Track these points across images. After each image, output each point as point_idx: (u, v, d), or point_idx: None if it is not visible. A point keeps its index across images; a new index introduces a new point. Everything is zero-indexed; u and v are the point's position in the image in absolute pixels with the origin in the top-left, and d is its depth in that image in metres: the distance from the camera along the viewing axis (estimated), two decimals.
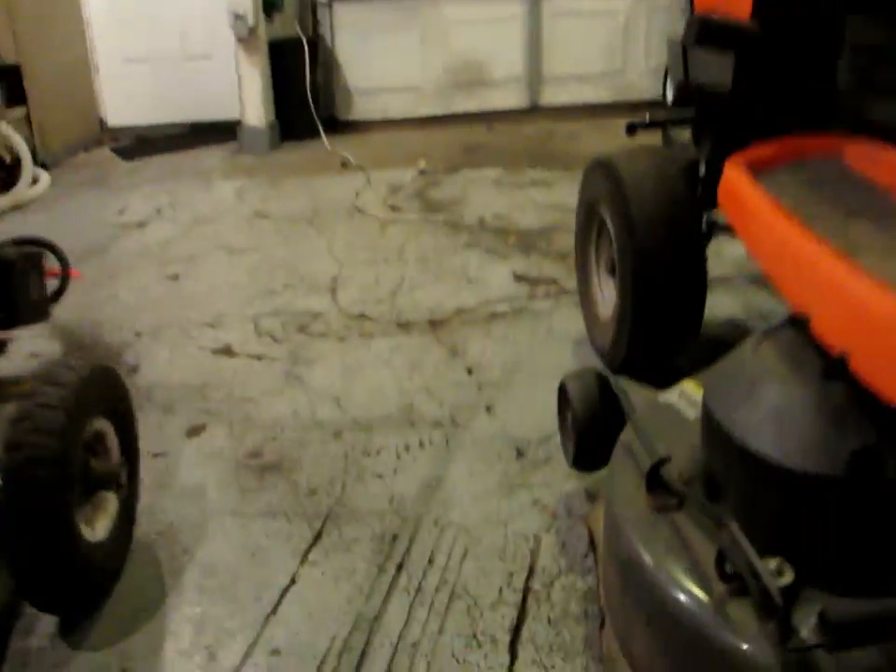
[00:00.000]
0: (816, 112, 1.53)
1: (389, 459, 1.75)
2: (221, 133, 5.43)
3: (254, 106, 5.12)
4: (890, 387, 0.84)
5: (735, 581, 0.90)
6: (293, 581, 1.43)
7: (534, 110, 5.79)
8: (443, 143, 5.08)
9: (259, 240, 3.46)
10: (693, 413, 1.24)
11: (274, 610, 1.37)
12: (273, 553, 1.50)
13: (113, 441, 1.50)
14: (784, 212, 1.17)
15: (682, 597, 0.93)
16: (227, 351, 2.35)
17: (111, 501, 1.46)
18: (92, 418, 1.41)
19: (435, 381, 2.08)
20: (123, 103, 5.84)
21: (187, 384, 2.17)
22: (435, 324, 2.43)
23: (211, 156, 5.11)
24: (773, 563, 0.87)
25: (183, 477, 1.75)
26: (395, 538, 1.51)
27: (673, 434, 1.20)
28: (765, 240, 1.21)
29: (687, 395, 1.29)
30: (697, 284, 1.77)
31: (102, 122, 5.75)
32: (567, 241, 2.50)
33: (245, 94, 5.12)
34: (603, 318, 2.03)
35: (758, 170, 1.39)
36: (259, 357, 2.29)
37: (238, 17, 4.81)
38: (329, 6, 5.56)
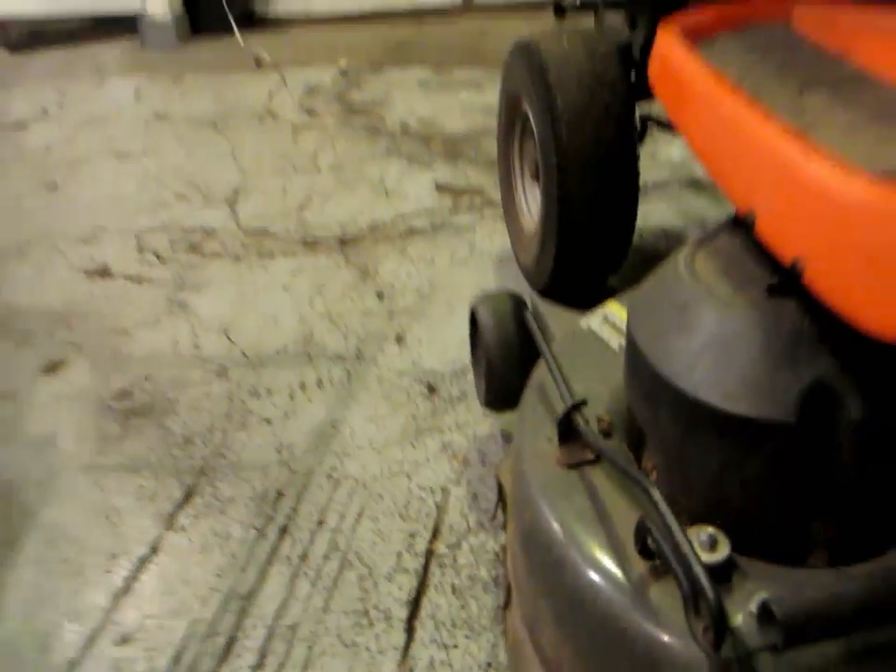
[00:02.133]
0: None
1: (280, 401, 1.51)
2: (124, 25, 4.89)
3: None
4: (852, 302, 0.64)
5: (659, 558, 0.71)
6: (153, 551, 1.20)
7: (468, 6, 5.37)
8: (369, 40, 4.65)
9: (155, 144, 3.07)
10: (618, 342, 1.03)
11: (127, 588, 1.14)
12: (131, 516, 1.26)
13: None
14: (726, 85, 0.94)
15: (594, 578, 0.74)
16: (102, 272, 2.04)
17: None
18: None
19: (340, 307, 1.82)
20: None
21: (50, 310, 1.86)
22: (345, 241, 2.15)
23: (110, 51, 4.56)
24: (705, 533, 0.69)
25: (32, 424, 1.48)
26: (280, 495, 1.29)
27: (594, 369, 1.00)
28: (704, 119, 0.98)
29: (612, 319, 1.09)
30: (629, 188, 1.54)
31: None
32: (496, 147, 2.23)
33: None
34: (528, 231, 1.79)
35: (696, 37, 1.14)
36: (138, 280, 1.99)
37: None
38: None
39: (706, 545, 0.68)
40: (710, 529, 0.69)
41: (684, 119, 1.04)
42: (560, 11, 1.90)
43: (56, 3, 5.16)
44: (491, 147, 2.72)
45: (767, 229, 0.77)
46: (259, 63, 4.20)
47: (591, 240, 1.57)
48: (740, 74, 0.98)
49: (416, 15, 5.18)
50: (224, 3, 4.79)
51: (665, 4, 1.29)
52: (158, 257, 2.11)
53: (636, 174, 1.53)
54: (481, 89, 3.55)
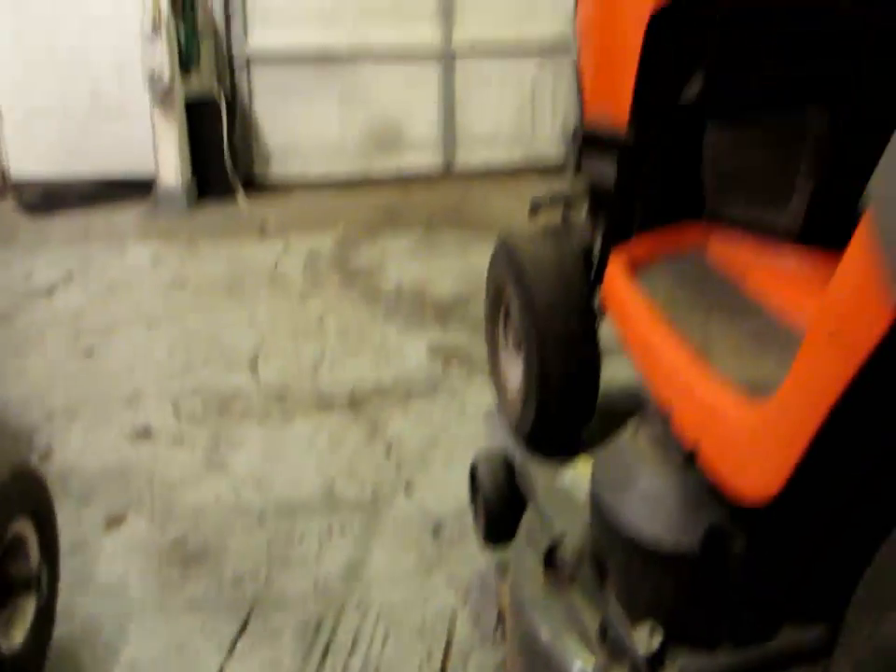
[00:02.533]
0: (687, 206, 1.73)
1: (312, 544, 1.81)
2: (135, 190, 5.37)
3: (170, 166, 5.10)
4: (729, 481, 0.99)
5: (614, 646, 1.02)
6: None
7: (449, 172, 6.05)
8: (362, 206, 5.21)
9: (177, 310, 3.46)
10: (584, 493, 1.37)
11: None
12: (198, 647, 1.53)
13: (33, 540, 1.49)
14: (651, 311, 1.34)
15: (572, 668, 1.05)
16: (146, 433, 2.37)
17: (29, 605, 1.44)
18: (11, 521, 1.41)
19: (356, 461, 2.16)
20: (29, 155, 5.68)
21: (104, 469, 2.17)
22: (355, 401, 2.51)
23: (125, 215, 5.06)
24: (645, 627, 1.00)
25: (103, 571, 1.76)
26: (319, 624, 1.57)
27: (568, 513, 1.33)
28: (636, 336, 1.37)
29: (580, 475, 1.43)
30: (592, 361, 1.93)
31: (4, 175, 5.51)
32: (480, 310, 2.63)
33: (161, 153, 5.08)
34: (511, 392, 2.16)
35: (635, 265, 1.57)
36: (179, 440, 2.32)
37: (154, 75, 4.81)
38: (248, 65, 5.68)
39: (646, 635, 0.99)
40: (650, 624, 1.01)
41: (623, 332, 1.44)
42: (535, 208, 2.38)
43: (72, 166, 5.69)
44: (476, 310, 3.16)
45: (677, 420, 1.14)
46: (263, 230, 4.72)
47: (565, 402, 1.94)
48: (664, 300, 1.39)
49: (402, 181, 5.83)
50: (229, 170, 5.38)
51: (616, 237, 1.75)
52: (193, 418, 2.45)
53: (597, 350, 1.93)
54: (465, 253, 4.05)
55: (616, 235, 1.82)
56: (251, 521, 1.91)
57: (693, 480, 1.08)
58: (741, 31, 1.33)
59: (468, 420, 2.34)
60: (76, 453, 2.27)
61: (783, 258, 1.45)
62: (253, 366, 2.83)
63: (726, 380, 1.08)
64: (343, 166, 5.94)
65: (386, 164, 5.99)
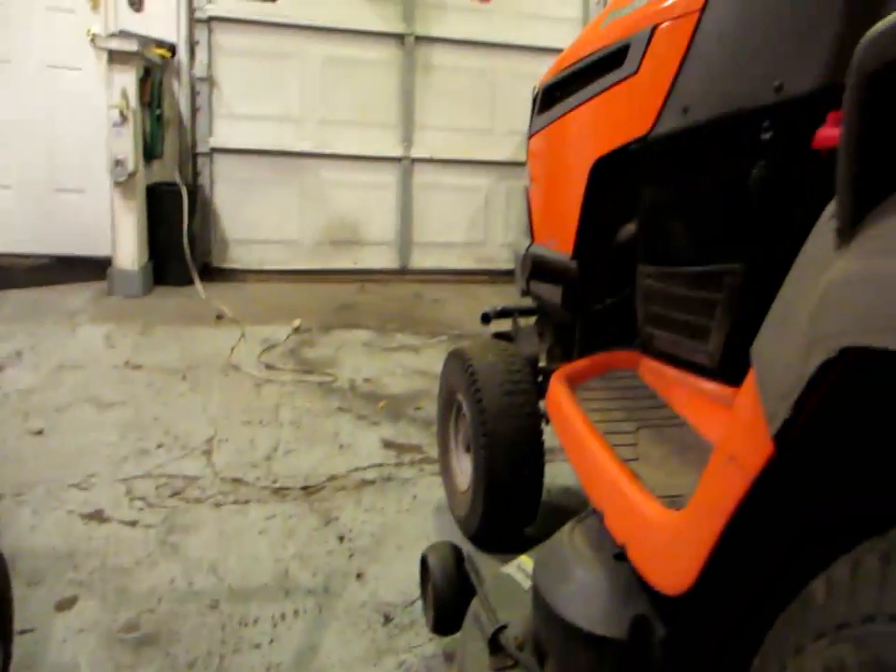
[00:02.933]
0: (621, 334, 1.95)
1: (266, 629, 1.87)
2: (89, 268, 5.41)
3: (127, 249, 5.20)
4: (651, 576, 1.15)
5: None
6: None
7: (403, 272, 6.33)
8: (317, 299, 5.39)
9: (131, 393, 3.50)
10: (527, 584, 1.51)
11: None
12: None
13: None
14: (587, 423, 1.53)
15: None
16: (98, 516, 2.39)
17: None
18: None
19: (309, 549, 2.24)
20: None
21: (55, 551, 2.18)
22: (309, 490, 2.60)
23: (78, 295, 5.10)
24: None
25: (53, 655, 1.77)
26: None
27: (512, 603, 1.47)
28: (574, 446, 1.55)
29: (524, 568, 1.57)
30: (537, 463, 2.11)
31: None
32: (432, 408, 2.79)
33: (119, 237, 5.16)
34: (461, 490, 2.31)
35: (574, 380, 1.77)
36: (131, 524, 2.35)
37: (118, 162, 4.96)
38: (210, 156, 5.91)
39: None
40: None
41: (564, 442, 1.62)
42: (486, 319, 2.60)
43: (26, 242, 5.72)
44: (427, 407, 3.32)
45: (608, 522, 1.31)
46: (219, 317, 4.83)
47: (510, 501, 2.09)
48: (599, 412, 1.59)
49: (358, 278, 6.07)
50: (187, 257, 5.51)
51: (558, 360, 1.96)
52: (146, 502, 2.49)
53: (542, 452, 2.11)
54: (417, 352, 4.24)
55: (559, 359, 2.06)
56: (205, 605, 1.95)
57: (622, 574, 1.23)
58: (664, 190, 1.60)
59: (418, 512, 2.46)
60: (25, 534, 2.27)
61: (703, 385, 1.67)
62: (208, 451, 2.89)
63: (650, 491, 1.26)
64: (300, 259, 6.16)
65: (343, 261, 6.25)
